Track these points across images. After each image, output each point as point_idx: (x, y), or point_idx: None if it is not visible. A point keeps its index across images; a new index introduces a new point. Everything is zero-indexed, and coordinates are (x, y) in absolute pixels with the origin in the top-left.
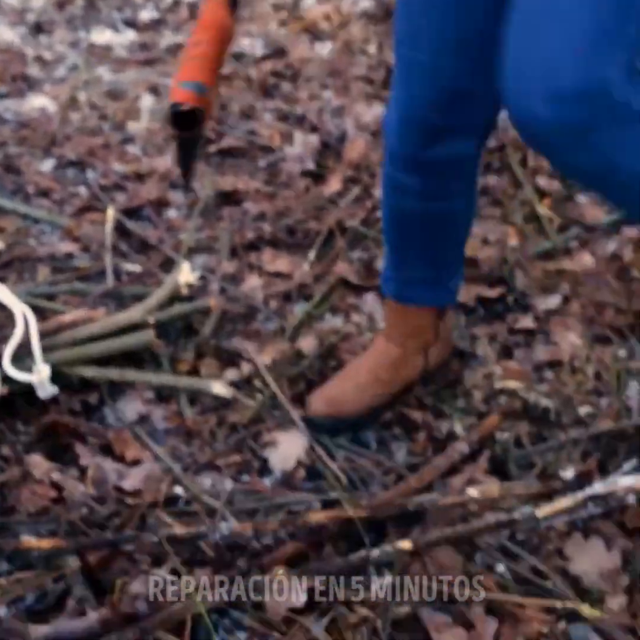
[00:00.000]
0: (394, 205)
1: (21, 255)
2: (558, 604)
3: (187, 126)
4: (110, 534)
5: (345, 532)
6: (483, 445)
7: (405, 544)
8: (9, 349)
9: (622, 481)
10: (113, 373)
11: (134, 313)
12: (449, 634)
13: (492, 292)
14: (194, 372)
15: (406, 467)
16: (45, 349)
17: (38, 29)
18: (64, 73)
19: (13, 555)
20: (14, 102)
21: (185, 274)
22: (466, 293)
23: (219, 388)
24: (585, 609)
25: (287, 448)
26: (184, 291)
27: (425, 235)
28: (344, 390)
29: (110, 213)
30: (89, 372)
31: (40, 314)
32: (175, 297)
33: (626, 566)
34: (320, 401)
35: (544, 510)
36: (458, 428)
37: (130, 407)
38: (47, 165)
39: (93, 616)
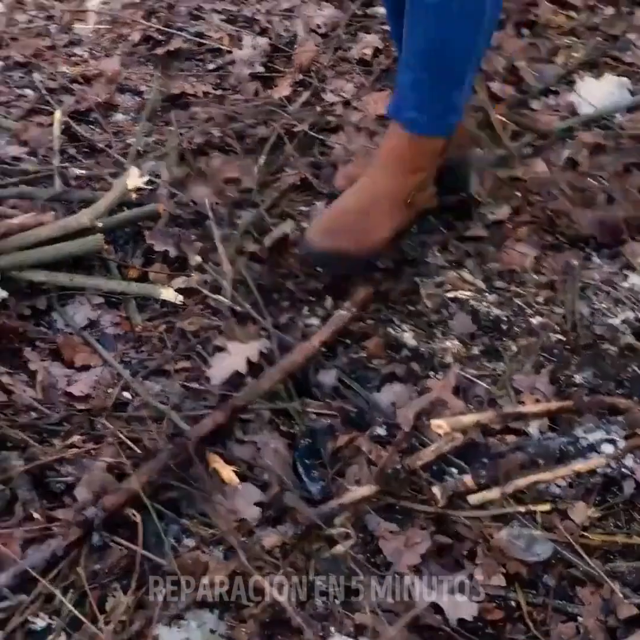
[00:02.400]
0: None
1: None
2: None
3: None
4: (59, 439)
5: None
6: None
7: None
8: None
9: None
10: (62, 278)
11: (82, 218)
12: None
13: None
14: (143, 278)
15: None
16: None
17: None
18: None
19: None
20: None
21: (134, 179)
22: None
23: (168, 294)
24: None
25: (236, 354)
26: (133, 196)
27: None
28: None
29: (58, 116)
30: (38, 276)
31: None
32: (124, 202)
33: None
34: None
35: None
36: (408, 337)
37: (80, 313)
38: None
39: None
